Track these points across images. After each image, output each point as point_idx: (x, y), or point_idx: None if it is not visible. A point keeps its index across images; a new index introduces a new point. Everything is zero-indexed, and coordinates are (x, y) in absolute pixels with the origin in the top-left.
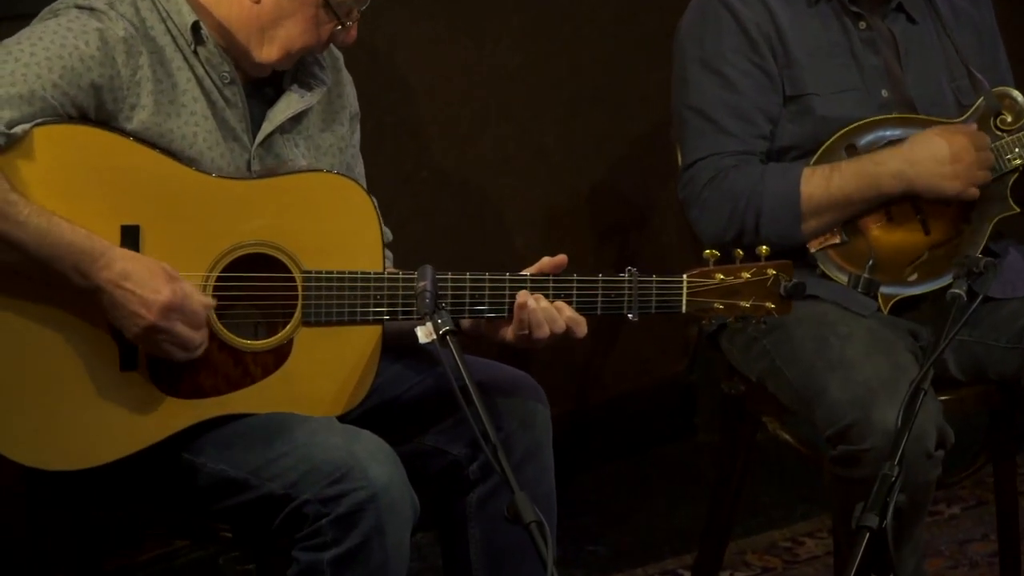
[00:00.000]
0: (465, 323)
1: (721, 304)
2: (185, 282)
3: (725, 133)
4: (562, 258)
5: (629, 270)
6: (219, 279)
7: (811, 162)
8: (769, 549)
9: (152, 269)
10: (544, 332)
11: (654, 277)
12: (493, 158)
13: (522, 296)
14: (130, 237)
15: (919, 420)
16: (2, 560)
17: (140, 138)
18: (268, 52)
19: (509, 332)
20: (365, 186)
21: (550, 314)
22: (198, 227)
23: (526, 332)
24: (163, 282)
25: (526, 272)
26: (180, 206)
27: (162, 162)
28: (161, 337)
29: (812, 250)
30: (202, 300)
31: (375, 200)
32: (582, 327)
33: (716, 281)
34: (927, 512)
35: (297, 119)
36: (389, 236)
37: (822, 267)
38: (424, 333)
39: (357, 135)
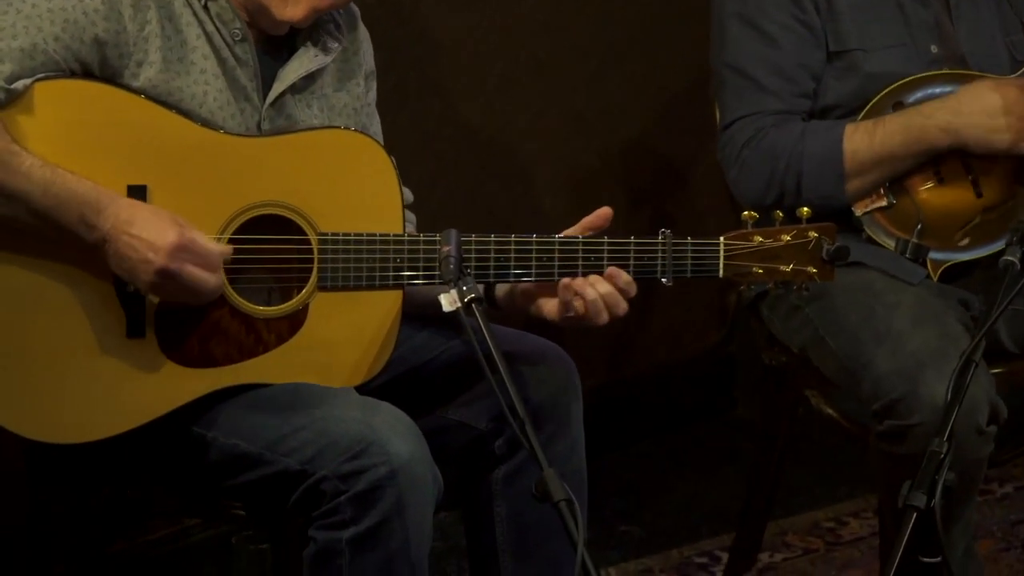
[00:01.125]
0: (500, 292)
1: (760, 268)
2: (195, 229)
3: (765, 91)
4: (606, 210)
5: (663, 232)
6: (231, 242)
7: (856, 120)
8: (811, 530)
9: (158, 213)
10: (603, 319)
11: (689, 239)
12: (521, 116)
13: (578, 284)
14: (137, 197)
15: (970, 394)
16: (2, 541)
17: (147, 96)
18: (293, 11)
19: (554, 311)
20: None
21: (613, 299)
22: (208, 187)
23: (575, 318)
24: (169, 224)
25: (568, 232)
26: (189, 165)
27: (170, 119)
28: (173, 283)
29: (858, 213)
30: (213, 245)
31: (394, 159)
32: (633, 289)
33: (755, 244)
34: (978, 491)
35: (310, 79)
36: (410, 197)
37: (868, 231)
38: (448, 301)
39: (373, 93)
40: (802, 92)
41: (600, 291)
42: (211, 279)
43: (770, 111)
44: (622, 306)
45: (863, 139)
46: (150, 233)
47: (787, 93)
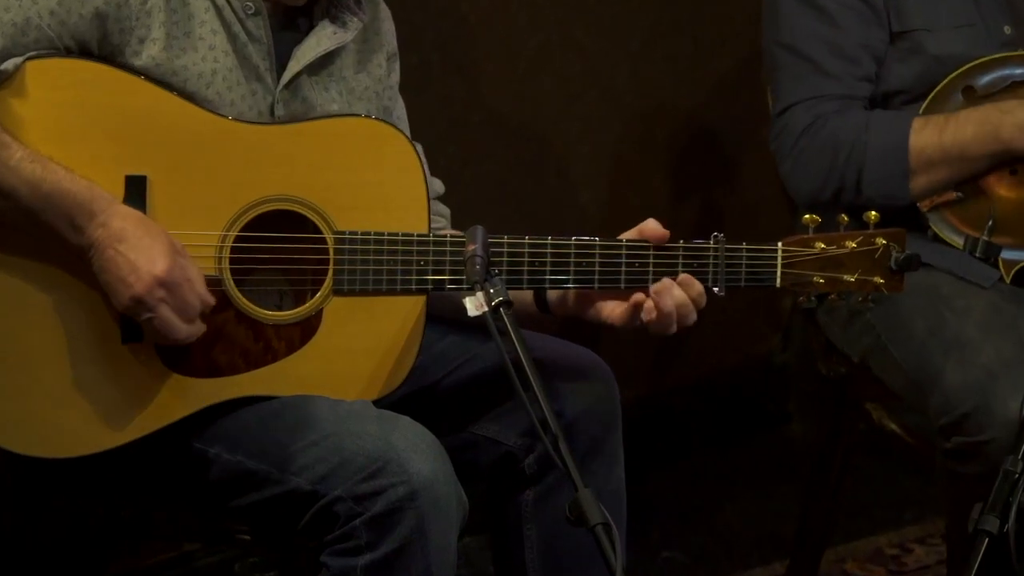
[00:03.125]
0: (552, 295)
1: (821, 278)
2: (193, 265)
3: (824, 74)
4: (664, 232)
5: (715, 236)
6: (238, 239)
7: (922, 107)
8: (873, 557)
9: (155, 235)
10: (672, 331)
11: (744, 245)
12: (556, 100)
13: (655, 291)
14: (135, 188)
15: None
16: None
17: (149, 76)
18: None
19: (618, 316)
20: (407, 132)
21: (686, 310)
22: (215, 178)
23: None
24: (162, 253)
25: (624, 236)
26: (194, 154)
27: (174, 103)
28: (144, 314)
29: (924, 209)
30: (201, 293)
31: (420, 149)
32: (704, 300)
33: (816, 251)
34: None
35: (328, 59)
36: (440, 188)
37: (935, 228)
38: (474, 304)
39: (396, 75)
40: (864, 75)
41: (677, 300)
42: (182, 330)
43: (829, 96)
44: (692, 317)
45: (932, 134)
46: (138, 255)
47: (848, 76)
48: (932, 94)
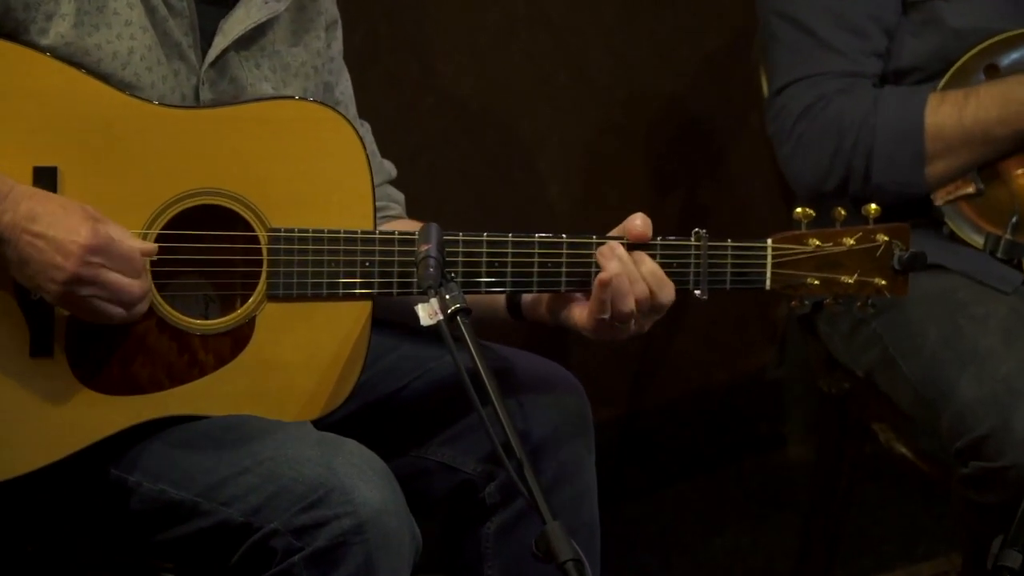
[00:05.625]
0: (526, 298)
1: (816, 279)
2: (113, 224)
3: (828, 48)
4: (649, 234)
5: (696, 232)
6: (159, 238)
7: (939, 86)
8: None
9: (67, 206)
10: (628, 305)
11: (729, 242)
12: (521, 81)
13: (604, 255)
14: (44, 181)
15: None
16: None
17: (58, 56)
18: None
19: (584, 316)
20: (354, 109)
21: (627, 272)
22: (133, 170)
23: (606, 314)
24: (80, 220)
25: (614, 234)
26: (110, 142)
27: (89, 85)
28: (89, 292)
29: (938, 202)
30: (136, 243)
31: (367, 129)
32: (668, 290)
33: (810, 248)
34: None
35: (259, 32)
36: (392, 171)
37: (951, 225)
38: (427, 312)
39: (338, 44)
40: (873, 50)
41: (622, 260)
42: (135, 287)
43: (834, 72)
44: (638, 285)
45: (951, 112)
46: (57, 231)
47: (855, 51)
48: (950, 73)
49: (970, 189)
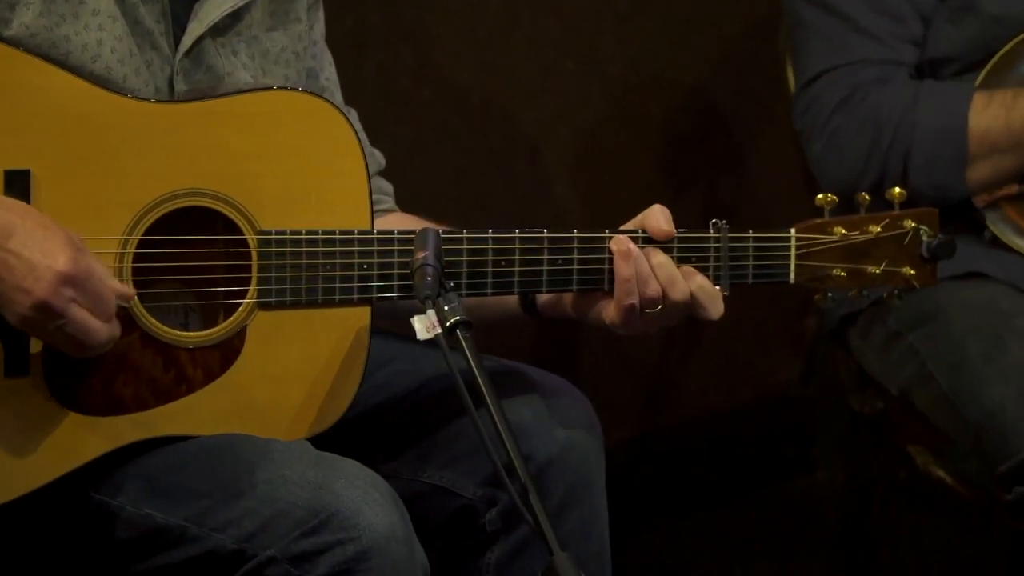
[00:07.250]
0: (544, 296)
1: (843, 271)
2: (95, 259)
3: (863, 34)
4: (670, 230)
5: (715, 223)
6: (141, 244)
7: (978, 79)
8: None
9: (48, 228)
10: (654, 291)
11: (751, 232)
12: (526, 71)
13: (619, 241)
14: (17, 187)
15: None
16: None
17: (24, 49)
18: None
19: (612, 310)
20: (339, 95)
21: (668, 271)
22: (113, 172)
23: (632, 300)
24: (61, 245)
25: (629, 226)
26: (87, 142)
27: (61, 79)
28: (52, 323)
29: (979, 205)
30: (115, 285)
31: (354, 116)
32: (717, 304)
33: (836, 237)
34: None
35: (236, 16)
36: (381, 161)
37: (993, 230)
38: (424, 325)
39: (320, 25)
40: (910, 37)
41: (657, 259)
42: (102, 332)
43: (870, 61)
44: (679, 287)
45: (998, 113)
46: (33, 252)
47: (891, 36)
48: (990, 64)
49: (1013, 190)
